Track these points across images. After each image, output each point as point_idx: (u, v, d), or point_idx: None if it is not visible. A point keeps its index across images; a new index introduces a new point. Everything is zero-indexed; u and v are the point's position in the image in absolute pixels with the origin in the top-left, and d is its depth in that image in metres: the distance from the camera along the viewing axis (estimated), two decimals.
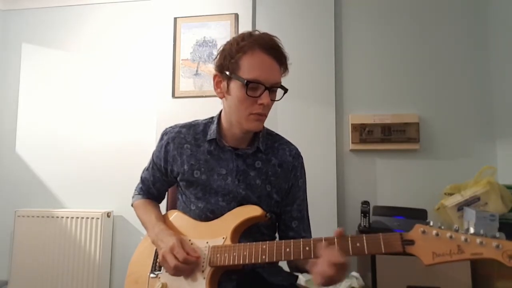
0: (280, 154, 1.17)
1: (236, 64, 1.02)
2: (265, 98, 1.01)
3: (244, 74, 1.00)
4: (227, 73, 1.04)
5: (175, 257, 0.98)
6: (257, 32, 1.06)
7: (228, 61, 1.04)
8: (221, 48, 1.08)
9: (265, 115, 1.06)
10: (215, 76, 1.10)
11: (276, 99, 1.07)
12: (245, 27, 2.34)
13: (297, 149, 1.21)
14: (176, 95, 2.42)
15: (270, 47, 1.01)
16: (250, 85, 1.00)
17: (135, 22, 2.66)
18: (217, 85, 1.10)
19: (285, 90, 1.07)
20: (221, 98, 1.11)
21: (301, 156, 1.21)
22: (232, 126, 1.10)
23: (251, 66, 1.00)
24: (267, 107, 1.04)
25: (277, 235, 1.24)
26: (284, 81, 1.08)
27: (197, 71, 2.41)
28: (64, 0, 2.72)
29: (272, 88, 1.03)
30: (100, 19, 2.71)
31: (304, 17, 2.37)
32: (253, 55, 1.01)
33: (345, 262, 0.83)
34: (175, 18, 2.46)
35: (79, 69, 2.70)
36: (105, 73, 2.67)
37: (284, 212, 1.18)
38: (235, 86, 1.03)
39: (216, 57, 1.09)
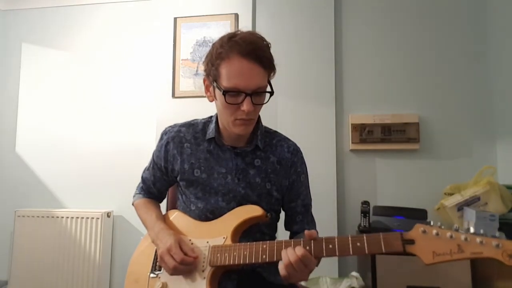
0: (279, 151, 1.17)
1: (216, 71, 1.00)
2: (246, 105, 0.98)
3: (224, 82, 0.98)
4: (211, 79, 1.04)
5: (173, 258, 0.99)
6: (239, 33, 1.02)
7: (210, 68, 1.03)
8: (208, 51, 1.07)
9: (252, 119, 1.05)
10: (204, 80, 1.09)
11: (264, 102, 1.04)
12: (245, 27, 2.33)
13: (295, 145, 1.21)
14: (176, 95, 2.42)
15: (248, 52, 0.97)
16: (229, 93, 0.98)
17: (135, 22, 2.66)
18: (206, 88, 1.10)
19: (271, 93, 1.04)
20: (210, 101, 1.11)
21: (300, 151, 1.21)
22: (225, 127, 1.11)
23: (229, 73, 0.98)
24: (252, 113, 1.01)
25: (277, 234, 1.24)
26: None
27: (197, 71, 2.41)
28: (64, 0, 2.73)
29: (255, 92, 0.99)
30: (100, 19, 2.71)
31: (304, 17, 2.37)
32: (231, 62, 0.98)
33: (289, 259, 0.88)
34: (175, 18, 2.46)
35: (79, 69, 2.70)
36: (105, 73, 2.67)
37: (289, 209, 1.19)
38: (218, 93, 1.02)
39: (203, 60, 1.09)
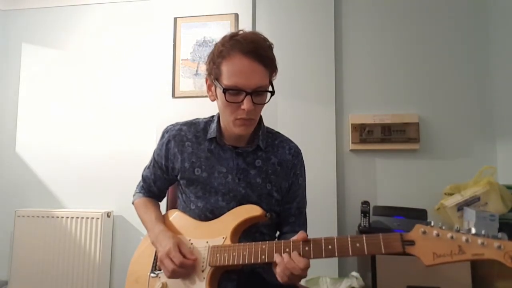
0: (280, 153, 1.17)
1: (218, 69, 1.01)
2: (246, 104, 0.98)
3: (224, 80, 0.99)
4: (212, 77, 1.04)
5: (172, 261, 0.99)
6: (241, 33, 1.02)
7: (211, 67, 1.03)
8: (210, 50, 1.07)
9: (253, 119, 1.04)
10: (206, 80, 1.10)
11: (265, 102, 1.04)
12: (245, 27, 2.34)
13: (296, 147, 1.21)
14: (176, 95, 2.42)
15: (249, 51, 0.97)
16: (229, 92, 0.98)
17: (135, 22, 2.66)
18: (208, 88, 1.10)
19: (272, 93, 1.04)
20: (212, 101, 1.11)
21: (301, 154, 1.21)
22: (226, 127, 1.11)
23: (230, 72, 0.98)
24: (252, 112, 1.00)
25: (277, 235, 1.24)
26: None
27: (197, 71, 2.41)
28: (64, 0, 2.72)
29: (255, 92, 0.99)
30: (100, 19, 2.71)
31: (304, 17, 2.36)
32: (232, 60, 0.98)
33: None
34: (175, 18, 2.46)
35: (79, 69, 2.70)
36: (105, 73, 2.67)
37: (284, 209, 1.19)
38: (219, 91, 1.02)
39: (206, 60, 1.09)
